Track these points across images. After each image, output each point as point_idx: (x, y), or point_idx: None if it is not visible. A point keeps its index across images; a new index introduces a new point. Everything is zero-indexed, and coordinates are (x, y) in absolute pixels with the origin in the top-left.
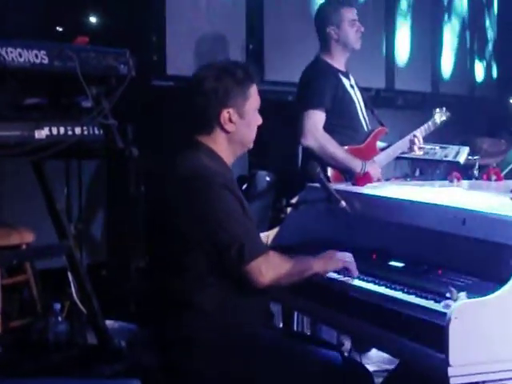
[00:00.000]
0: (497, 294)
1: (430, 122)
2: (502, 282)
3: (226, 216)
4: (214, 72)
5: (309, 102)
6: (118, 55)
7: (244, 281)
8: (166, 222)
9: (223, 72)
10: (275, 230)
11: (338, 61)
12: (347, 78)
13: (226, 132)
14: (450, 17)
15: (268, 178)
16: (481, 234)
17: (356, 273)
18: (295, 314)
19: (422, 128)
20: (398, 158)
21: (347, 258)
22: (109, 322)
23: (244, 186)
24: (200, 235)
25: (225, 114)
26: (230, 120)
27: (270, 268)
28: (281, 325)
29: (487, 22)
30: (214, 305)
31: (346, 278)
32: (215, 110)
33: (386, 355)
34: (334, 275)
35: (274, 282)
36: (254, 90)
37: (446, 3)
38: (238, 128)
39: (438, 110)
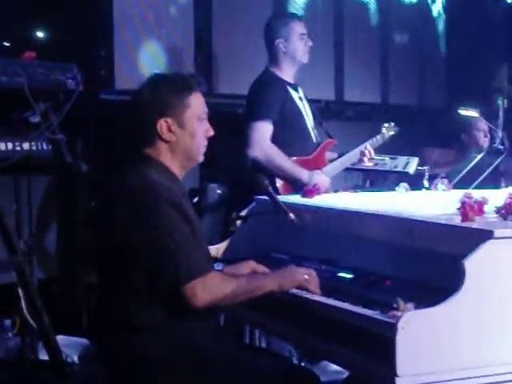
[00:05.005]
0: (443, 304)
1: (378, 136)
2: (450, 293)
3: (167, 234)
4: (152, 84)
5: (256, 114)
6: (66, 70)
7: (180, 301)
8: (110, 239)
9: (160, 83)
10: (226, 243)
11: (287, 73)
12: (296, 90)
13: (167, 142)
14: (398, 28)
15: (219, 191)
16: (428, 244)
17: (317, 292)
18: (247, 326)
19: (369, 141)
20: (348, 170)
21: (308, 276)
22: (60, 338)
23: (195, 199)
24: (139, 253)
25: (162, 124)
26: (170, 130)
27: (205, 290)
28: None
29: (437, 33)
30: (159, 324)
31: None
32: (151, 120)
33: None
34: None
35: (210, 304)
36: (194, 99)
37: (394, 15)
38: (179, 138)
39: (386, 124)
